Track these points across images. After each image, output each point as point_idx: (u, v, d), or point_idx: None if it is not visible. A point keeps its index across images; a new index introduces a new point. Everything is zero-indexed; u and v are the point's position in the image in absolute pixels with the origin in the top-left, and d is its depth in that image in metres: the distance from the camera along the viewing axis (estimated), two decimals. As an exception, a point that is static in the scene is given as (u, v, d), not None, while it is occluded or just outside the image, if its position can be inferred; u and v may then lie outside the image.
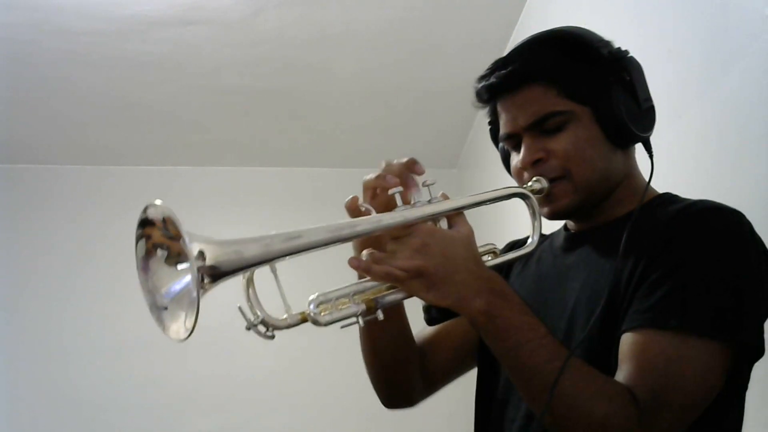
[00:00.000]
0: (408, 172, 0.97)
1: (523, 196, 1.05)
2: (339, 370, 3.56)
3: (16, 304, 3.78)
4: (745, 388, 0.99)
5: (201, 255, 0.80)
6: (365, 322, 0.93)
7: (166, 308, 0.84)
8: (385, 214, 0.93)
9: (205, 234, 0.83)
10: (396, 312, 1.10)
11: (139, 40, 2.91)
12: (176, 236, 0.81)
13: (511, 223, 2.40)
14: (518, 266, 1.21)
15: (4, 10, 2.69)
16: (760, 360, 0.95)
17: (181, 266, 0.84)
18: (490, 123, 1.17)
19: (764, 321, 0.95)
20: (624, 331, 0.92)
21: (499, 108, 1.10)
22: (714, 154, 1.45)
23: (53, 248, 3.86)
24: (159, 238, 0.84)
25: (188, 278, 0.82)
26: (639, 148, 1.10)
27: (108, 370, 3.70)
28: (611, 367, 0.91)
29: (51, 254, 3.85)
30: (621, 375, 0.89)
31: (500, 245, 1.17)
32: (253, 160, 4.05)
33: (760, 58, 1.27)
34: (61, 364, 3.71)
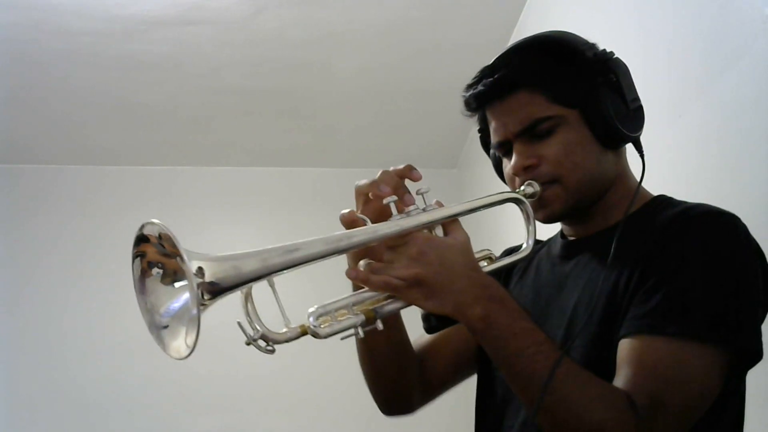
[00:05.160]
0: (402, 181, 0.97)
1: (517, 201, 1.05)
2: (338, 370, 3.56)
3: (16, 303, 3.78)
4: (744, 391, 0.99)
5: (200, 272, 0.80)
6: (365, 333, 0.92)
7: (166, 327, 0.84)
8: (381, 224, 0.93)
9: (203, 250, 0.82)
10: (393, 320, 1.10)
11: (139, 40, 2.91)
12: (172, 253, 0.81)
13: (506, 228, 2.40)
14: (517, 275, 1.22)
15: (4, 10, 2.69)
16: (761, 361, 0.95)
17: (178, 284, 0.84)
18: (479, 131, 1.18)
19: (761, 325, 0.95)
20: (622, 337, 0.92)
21: (488, 115, 1.10)
22: (713, 154, 1.45)
23: (53, 248, 3.86)
24: (153, 256, 0.84)
25: (186, 296, 0.83)
26: (631, 149, 1.10)
27: (108, 370, 3.69)
28: (609, 373, 0.91)
29: (51, 254, 3.85)
30: (619, 380, 0.89)
31: (495, 250, 1.17)
32: (253, 160, 4.05)
33: (760, 58, 1.27)
34: (61, 363, 3.71)
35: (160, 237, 0.82)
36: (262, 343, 0.89)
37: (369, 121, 3.67)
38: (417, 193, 0.97)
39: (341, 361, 3.23)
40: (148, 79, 3.21)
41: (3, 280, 3.80)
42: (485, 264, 1.07)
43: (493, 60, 1.09)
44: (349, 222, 0.97)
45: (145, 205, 3.85)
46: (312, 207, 3.89)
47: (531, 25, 2.68)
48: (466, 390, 1.24)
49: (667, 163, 1.54)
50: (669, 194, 1.10)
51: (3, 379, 3.71)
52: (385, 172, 0.97)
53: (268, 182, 4.09)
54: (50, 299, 3.78)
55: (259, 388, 3.77)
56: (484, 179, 3.28)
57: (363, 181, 0.98)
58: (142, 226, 0.82)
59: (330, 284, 1.16)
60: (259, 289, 0.89)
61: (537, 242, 1.12)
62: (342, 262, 0.97)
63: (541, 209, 1.07)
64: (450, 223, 0.97)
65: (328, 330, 0.91)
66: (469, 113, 1.13)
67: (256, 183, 4.08)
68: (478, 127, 1.18)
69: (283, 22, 2.84)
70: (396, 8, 2.77)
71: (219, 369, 3.73)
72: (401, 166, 0.98)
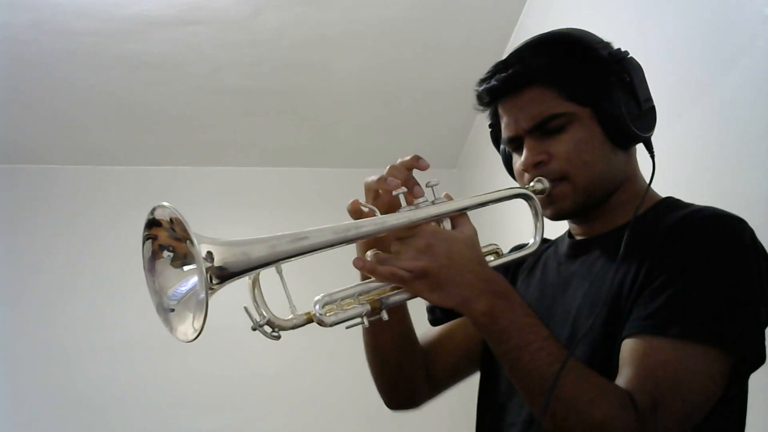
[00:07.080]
0: (411, 174, 0.97)
1: (525, 197, 1.05)
2: (340, 370, 3.57)
3: (16, 303, 3.77)
4: (746, 394, 0.99)
5: (209, 256, 0.81)
6: (370, 323, 0.93)
7: (173, 310, 0.85)
8: (389, 215, 0.94)
9: (211, 235, 0.83)
10: (399, 313, 1.10)
11: (139, 40, 2.92)
12: (183, 237, 0.82)
13: (512, 224, 2.40)
14: (523, 273, 1.22)
15: (4, 10, 2.69)
16: (763, 365, 0.95)
17: (187, 267, 0.85)
18: (490, 125, 1.18)
19: (765, 328, 0.95)
20: (625, 337, 0.92)
21: (500, 110, 1.11)
22: (714, 154, 1.45)
23: (53, 248, 3.86)
24: (165, 240, 0.85)
25: (195, 279, 0.83)
26: (641, 149, 1.10)
27: (108, 369, 3.69)
28: (612, 373, 0.91)
29: (51, 254, 3.85)
30: (621, 380, 0.89)
31: (501, 245, 1.17)
32: (253, 160, 4.05)
33: (760, 58, 1.27)
34: (61, 363, 3.71)
35: (171, 221, 0.83)
36: (267, 329, 0.90)
37: (369, 121, 3.67)
38: (426, 186, 0.97)
39: (342, 361, 3.25)
40: (148, 79, 3.21)
41: (3, 279, 3.80)
42: (492, 258, 1.08)
43: (507, 55, 1.09)
44: (355, 210, 0.97)
45: (145, 205, 3.75)
46: (312, 207, 3.89)
47: (531, 25, 2.68)
48: (470, 390, 1.24)
49: (667, 163, 1.54)
50: (668, 194, 1.10)
51: (3, 379, 3.71)
52: (393, 167, 0.98)
53: (268, 182, 4.09)
54: (50, 299, 3.78)
55: (259, 388, 3.77)
56: (484, 179, 3.28)
57: (372, 177, 0.98)
58: (153, 210, 0.83)
59: (339, 274, 1.16)
60: (267, 278, 0.90)
61: (545, 241, 1.12)
62: (351, 252, 0.97)
63: (550, 206, 1.07)
64: (458, 216, 0.97)
65: (333, 318, 0.91)
66: (481, 108, 1.13)
67: (256, 183, 4.08)
68: (489, 122, 1.18)
69: (283, 22, 2.84)
70: (396, 8, 2.77)
71: (219, 369, 3.74)
72: (408, 158, 0.98)
